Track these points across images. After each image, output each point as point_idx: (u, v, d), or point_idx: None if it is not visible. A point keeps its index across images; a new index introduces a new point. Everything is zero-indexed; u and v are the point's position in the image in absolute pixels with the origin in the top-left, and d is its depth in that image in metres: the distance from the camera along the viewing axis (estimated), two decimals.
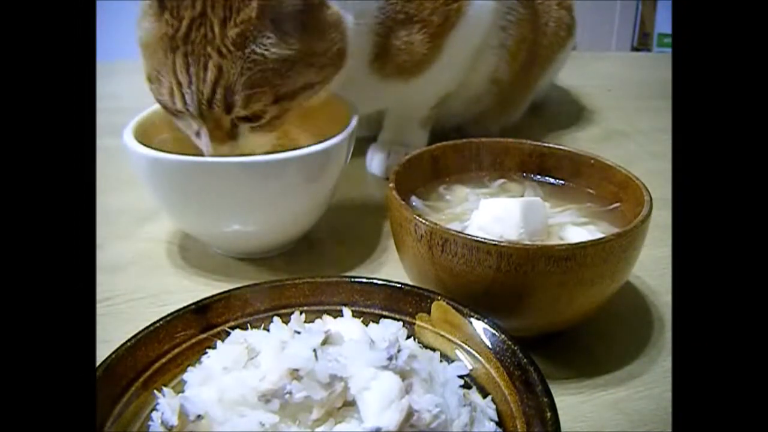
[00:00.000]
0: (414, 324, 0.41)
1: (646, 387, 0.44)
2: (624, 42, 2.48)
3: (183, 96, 0.50)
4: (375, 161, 0.74)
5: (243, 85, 0.49)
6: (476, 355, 0.38)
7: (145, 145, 0.52)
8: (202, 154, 0.52)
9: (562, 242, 0.46)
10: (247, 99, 0.49)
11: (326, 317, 0.40)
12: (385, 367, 0.33)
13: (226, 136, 0.52)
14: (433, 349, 0.39)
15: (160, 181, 0.53)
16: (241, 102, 0.49)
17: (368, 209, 0.67)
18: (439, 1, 0.63)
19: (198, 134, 0.53)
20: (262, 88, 0.50)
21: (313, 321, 0.39)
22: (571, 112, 0.96)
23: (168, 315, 0.40)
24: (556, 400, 0.33)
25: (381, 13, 0.61)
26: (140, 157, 0.51)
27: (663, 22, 2.44)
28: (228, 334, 0.38)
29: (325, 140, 0.52)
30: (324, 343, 0.34)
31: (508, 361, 0.37)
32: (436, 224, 0.42)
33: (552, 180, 0.54)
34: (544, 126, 0.89)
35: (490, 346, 0.38)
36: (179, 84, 0.50)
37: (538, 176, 0.55)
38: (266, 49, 0.49)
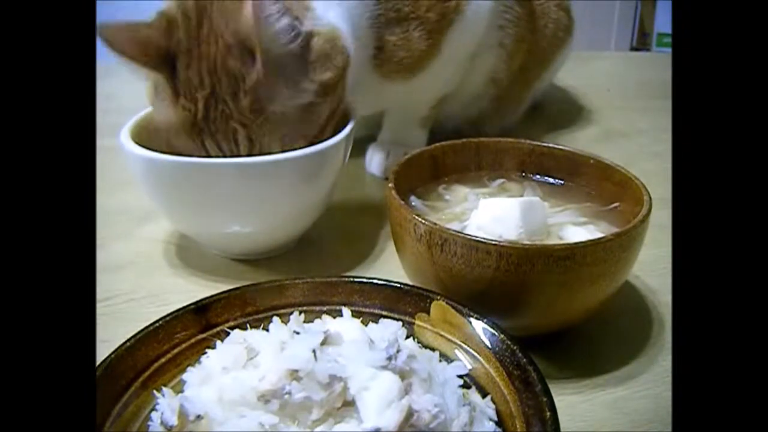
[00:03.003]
0: (413, 324, 0.41)
1: (646, 387, 0.44)
2: (623, 42, 2.48)
3: None
4: (374, 161, 0.74)
5: (276, 144, 0.50)
6: (475, 354, 0.38)
7: (141, 145, 0.51)
8: None
9: (561, 242, 0.46)
10: None
11: (326, 317, 0.40)
12: (385, 367, 0.33)
13: None
14: (433, 349, 0.39)
15: (156, 182, 0.53)
16: None
17: (368, 209, 0.67)
18: None
19: None
20: (293, 140, 0.50)
21: (312, 321, 0.39)
22: (570, 112, 0.96)
23: (168, 315, 0.40)
24: (556, 399, 0.33)
25: (373, 12, 0.61)
26: (136, 157, 0.51)
27: (663, 22, 2.45)
28: (227, 334, 0.38)
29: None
30: (323, 343, 0.34)
31: (508, 360, 0.36)
32: (435, 224, 0.42)
33: (551, 180, 0.54)
34: (543, 126, 0.89)
35: (489, 346, 0.38)
36: None
37: (538, 176, 0.55)
38: (284, 104, 0.50)
